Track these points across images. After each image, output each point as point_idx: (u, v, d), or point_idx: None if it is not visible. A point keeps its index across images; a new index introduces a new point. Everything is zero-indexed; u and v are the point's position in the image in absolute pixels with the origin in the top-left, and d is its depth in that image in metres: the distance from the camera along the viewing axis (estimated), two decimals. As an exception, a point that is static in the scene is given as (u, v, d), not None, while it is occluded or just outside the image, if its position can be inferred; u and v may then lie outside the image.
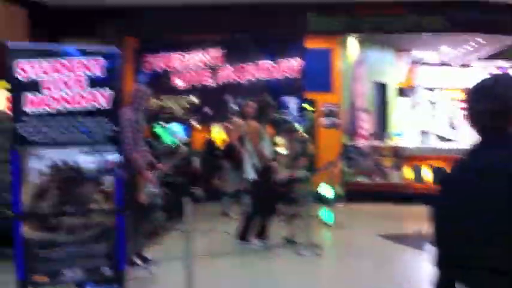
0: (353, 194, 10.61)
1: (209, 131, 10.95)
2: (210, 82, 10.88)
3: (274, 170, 7.46)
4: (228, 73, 10.82)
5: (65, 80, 5.07)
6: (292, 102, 10.66)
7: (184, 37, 10.90)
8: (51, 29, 10.62)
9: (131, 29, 10.89)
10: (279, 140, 10.83)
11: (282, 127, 10.55)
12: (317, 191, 10.22)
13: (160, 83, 10.89)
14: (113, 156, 5.20)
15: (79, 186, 5.13)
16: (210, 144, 10.56)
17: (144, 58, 11.01)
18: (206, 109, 10.81)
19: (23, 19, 10.15)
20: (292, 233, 7.62)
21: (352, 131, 11.42)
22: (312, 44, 10.66)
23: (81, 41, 11.23)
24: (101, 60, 5.24)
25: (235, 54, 10.81)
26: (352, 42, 11.33)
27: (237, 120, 8.94)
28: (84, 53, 5.22)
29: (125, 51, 11.07)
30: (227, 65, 10.81)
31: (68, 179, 5.06)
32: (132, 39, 11.04)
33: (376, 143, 11.52)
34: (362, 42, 11.70)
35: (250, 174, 7.45)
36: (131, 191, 5.95)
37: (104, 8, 10.72)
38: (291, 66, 10.64)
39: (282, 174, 8.10)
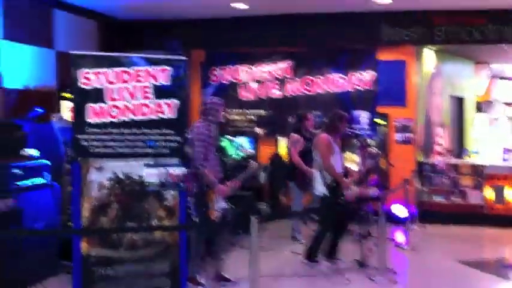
0: (428, 215, 9.97)
1: (276, 145, 10.64)
2: (277, 95, 10.59)
3: (346, 185, 7.04)
4: (297, 86, 10.49)
5: (129, 89, 4.89)
6: (363, 116, 10.21)
7: (252, 49, 10.68)
8: (120, 42, 10.63)
9: (198, 41, 10.75)
10: (350, 155, 10.40)
11: (353, 142, 10.12)
12: (390, 211, 9.71)
13: (227, 95, 10.67)
14: (177, 170, 4.97)
15: (141, 200, 4.91)
16: (276, 158, 10.23)
17: (211, 71, 10.85)
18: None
19: (94, 32, 10.21)
20: (364, 255, 7.16)
21: (427, 148, 10.83)
22: (386, 55, 10.19)
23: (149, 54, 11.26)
24: (167, 69, 5.04)
25: (304, 66, 10.47)
26: (428, 54, 10.78)
27: (294, 135, 8.50)
28: (149, 61, 5.03)
29: (191, 63, 10.98)
30: (295, 78, 10.49)
31: (130, 192, 4.86)
32: (198, 51, 10.90)
33: (453, 160, 10.87)
34: (438, 54, 11.09)
35: (319, 189, 7.07)
36: (202, 208, 5.73)
37: (171, 21, 10.65)
38: (363, 79, 10.21)
39: (353, 191, 7.67)
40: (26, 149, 6.52)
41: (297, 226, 8.56)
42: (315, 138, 7.35)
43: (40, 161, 6.37)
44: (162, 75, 4.94)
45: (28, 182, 6.11)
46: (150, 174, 4.87)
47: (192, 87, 10.92)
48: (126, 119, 4.84)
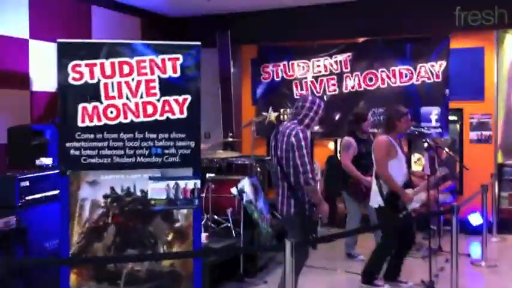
0: (509, 224, 8.49)
1: (334, 146, 9.38)
2: (335, 91, 9.32)
3: (407, 199, 5.72)
4: (357, 81, 9.18)
5: (130, 84, 3.86)
6: (434, 113, 8.75)
7: (307, 42, 9.47)
8: (165, 40, 9.70)
9: (249, 36, 9.62)
10: (417, 158, 8.99)
11: (421, 144, 8.72)
12: (465, 221, 8.30)
13: (280, 93, 9.53)
14: (191, 183, 3.89)
15: (145, 222, 3.86)
16: (333, 160, 8.96)
17: (263, 67, 9.69)
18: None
19: (136, 29, 9.31)
20: (433, 274, 5.84)
21: (509, 147, 9.24)
22: (460, 43, 8.66)
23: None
24: (177, 58, 3.96)
25: (366, 59, 9.09)
26: (510, 40, 9.17)
27: (347, 138, 7.18)
28: (155, 49, 3.96)
29: (242, 60, 9.89)
30: (356, 72, 9.19)
31: (131, 212, 3.81)
32: (249, 47, 9.75)
33: (540, 161, 9.24)
34: None
35: (376, 200, 5.82)
36: (309, 234, 4.55)
37: (220, 15, 9.59)
38: (433, 70, 8.76)
39: (418, 202, 6.32)
40: (42, 158, 5.66)
41: (351, 240, 7.29)
42: (374, 141, 6.09)
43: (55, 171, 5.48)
44: (171, 66, 3.87)
45: (39, 195, 5.23)
46: (156, 190, 3.82)
47: (243, 86, 9.85)
48: (126, 121, 3.80)
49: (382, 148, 5.72)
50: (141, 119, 3.81)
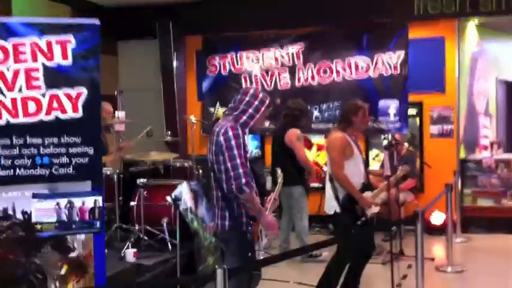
0: (473, 223, 7.76)
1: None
2: (287, 85, 8.44)
3: (365, 203, 4.89)
4: (310, 73, 8.33)
5: (5, 74, 2.90)
6: (392, 106, 7.96)
7: (257, 33, 8.57)
8: (102, 31, 8.66)
9: (193, 26, 8.65)
10: (375, 154, 8.20)
11: (379, 139, 7.94)
12: (427, 220, 7.57)
13: (227, 87, 8.60)
14: (89, 200, 2.96)
15: (30, 253, 2.91)
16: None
17: (209, 59, 8.73)
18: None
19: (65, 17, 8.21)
20: (395, 284, 5.05)
21: (471, 142, 8.55)
22: (419, 32, 7.89)
23: (139, 43, 9.34)
24: (69, 41, 3.00)
25: (319, 50, 8.22)
26: (471, 29, 8.43)
27: (294, 130, 6.42)
28: (39, 29, 2.99)
29: (186, 52, 8.92)
30: (309, 64, 8.33)
31: (11, 241, 2.85)
32: (194, 38, 8.74)
33: (504, 155, 8.56)
34: (483, 30, 8.57)
35: (330, 205, 4.99)
36: (247, 253, 3.59)
37: (162, 5, 8.57)
38: (390, 62, 7.97)
39: (381, 197, 5.54)
40: None
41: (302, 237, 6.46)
42: (328, 138, 5.25)
43: None
44: (60, 51, 2.92)
45: None
46: (43, 211, 2.87)
47: (188, 80, 8.88)
48: (0, 122, 2.85)
49: (337, 146, 4.87)
50: (21, 119, 2.85)
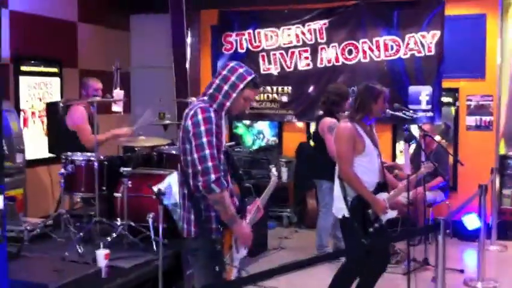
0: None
1: (305, 132, 7.71)
2: (308, 65, 7.63)
3: (379, 207, 4.11)
4: (334, 54, 7.48)
5: None
6: (424, 93, 7.08)
7: (277, 7, 7.76)
8: (114, 5, 8.03)
9: (208, 0, 7.94)
10: (402, 148, 7.32)
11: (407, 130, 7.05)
12: (459, 224, 6.72)
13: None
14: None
15: None
16: (304, 149, 7.34)
17: (225, 36, 7.97)
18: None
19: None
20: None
21: (513, 135, 7.58)
22: (457, 9, 6.97)
23: (152, 17, 8.66)
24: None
25: (345, 27, 7.38)
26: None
27: (328, 119, 5.68)
28: None
29: (201, 28, 8.18)
30: (333, 43, 7.49)
31: None
32: (209, 12, 7.98)
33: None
34: None
35: (337, 207, 4.24)
36: (214, 267, 2.93)
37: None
38: (424, 42, 7.06)
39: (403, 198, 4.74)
40: None
41: (325, 231, 5.84)
42: (335, 130, 4.47)
43: None
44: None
45: None
46: None
47: (202, 58, 8.14)
48: None
49: (343, 138, 4.12)
50: None
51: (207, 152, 2.78)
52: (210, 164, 2.77)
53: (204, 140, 2.79)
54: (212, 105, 2.94)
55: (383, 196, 4.20)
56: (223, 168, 2.95)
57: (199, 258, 2.98)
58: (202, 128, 2.80)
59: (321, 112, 5.95)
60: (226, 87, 2.94)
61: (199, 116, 2.83)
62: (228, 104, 2.95)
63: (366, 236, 4.09)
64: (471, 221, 6.61)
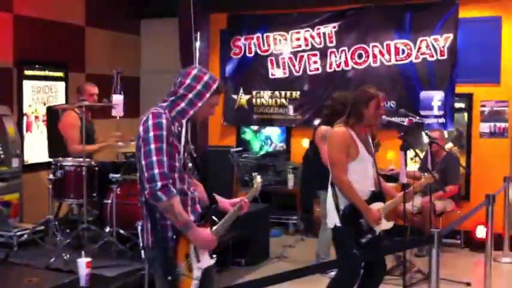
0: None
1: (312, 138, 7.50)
2: (317, 70, 7.41)
3: (371, 217, 3.88)
4: (343, 57, 7.25)
5: None
6: (436, 98, 6.79)
7: (286, 11, 7.56)
8: (122, 10, 7.97)
9: (218, 3, 7.80)
10: (414, 155, 7.04)
11: (417, 137, 6.78)
12: (471, 233, 6.44)
13: (254, 72, 7.68)
14: None
15: None
16: (310, 155, 7.10)
17: (234, 40, 7.80)
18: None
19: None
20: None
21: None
22: (471, 12, 6.68)
23: (161, 21, 8.57)
24: None
25: (355, 31, 7.13)
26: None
27: (323, 127, 5.46)
28: None
29: (210, 31, 8.05)
30: (342, 47, 7.26)
31: None
32: (218, 16, 7.84)
33: None
34: None
35: (331, 218, 4.03)
36: (166, 276, 2.74)
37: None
38: (436, 45, 6.78)
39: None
40: None
41: (325, 245, 5.58)
42: (328, 135, 4.26)
43: None
44: None
45: None
46: None
47: (210, 62, 8.00)
48: None
49: (336, 144, 3.93)
50: None
51: (154, 158, 2.66)
52: (156, 171, 2.64)
53: (152, 146, 2.68)
54: (170, 111, 2.79)
55: (378, 206, 3.97)
56: (182, 175, 2.82)
57: (156, 269, 2.84)
58: (151, 133, 2.70)
59: (318, 121, 5.73)
60: (191, 96, 2.83)
61: (150, 122, 2.73)
62: (191, 112, 2.82)
63: (358, 247, 3.87)
64: (483, 231, 6.35)
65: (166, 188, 2.64)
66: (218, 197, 3.11)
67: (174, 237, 2.76)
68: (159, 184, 2.62)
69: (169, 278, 2.70)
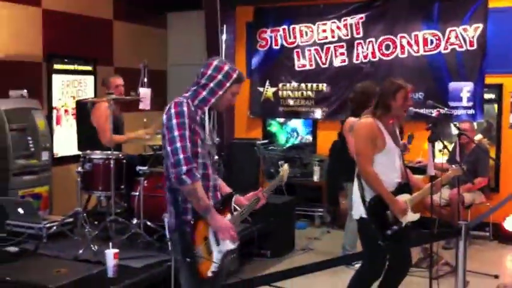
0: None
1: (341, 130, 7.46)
2: (344, 62, 7.35)
3: (398, 208, 3.84)
4: (370, 49, 7.17)
5: None
6: (465, 89, 6.68)
7: (312, 2, 7.52)
8: (153, 2, 8.01)
9: (244, -5, 7.78)
10: (440, 147, 6.94)
11: (445, 129, 6.69)
12: (500, 225, 6.33)
13: (280, 64, 7.67)
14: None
15: None
16: (337, 148, 7.06)
17: (260, 33, 7.78)
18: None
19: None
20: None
21: None
22: (501, 1, 6.52)
23: (188, 14, 8.59)
24: None
25: (382, 22, 7.06)
26: None
27: (351, 119, 5.40)
28: None
29: (235, 24, 8.04)
30: (369, 38, 7.18)
31: None
32: (244, 8, 7.83)
33: None
34: None
35: (357, 210, 4.01)
36: (186, 258, 2.82)
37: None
38: (466, 36, 6.67)
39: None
40: None
41: (351, 239, 5.53)
42: (354, 126, 4.23)
43: None
44: None
45: None
46: None
47: (236, 55, 8.00)
48: None
49: (363, 135, 3.90)
50: None
51: (178, 145, 2.77)
52: (181, 156, 2.76)
53: (176, 133, 2.79)
54: (193, 100, 2.90)
55: (404, 197, 3.93)
56: (207, 162, 2.92)
57: (177, 250, 2.89)
58: (174, 121, 2.80)
59: (344, 113, 5.69)
60: (212, 85, 2.92)
61: (172, 110, 2.83)
62: (213, 100, 2.89)
63: (384, 238, 3.84)
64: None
65: (191, 172, 2.76)
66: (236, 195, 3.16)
67: (193, 220, 2.84)
68: (184, 168, 2.74)
69: (188, 259, 2.76)
